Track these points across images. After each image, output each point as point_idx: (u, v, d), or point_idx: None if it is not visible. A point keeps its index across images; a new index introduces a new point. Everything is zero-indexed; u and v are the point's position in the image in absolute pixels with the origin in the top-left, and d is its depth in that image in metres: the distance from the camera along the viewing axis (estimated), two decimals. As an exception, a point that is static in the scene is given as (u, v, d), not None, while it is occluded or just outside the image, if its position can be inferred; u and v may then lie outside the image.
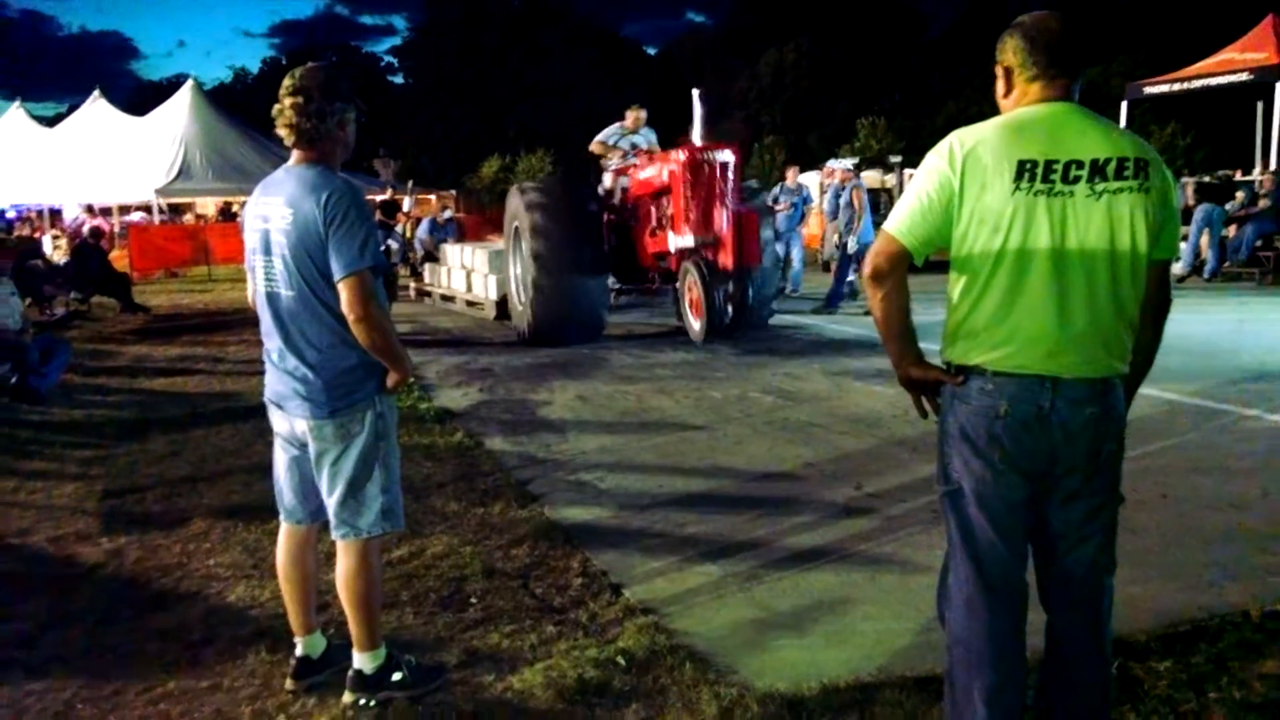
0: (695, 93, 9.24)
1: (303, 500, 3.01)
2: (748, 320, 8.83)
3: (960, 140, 2.21)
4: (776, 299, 10.95)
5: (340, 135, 2.85)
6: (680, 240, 8.85)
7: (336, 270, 2.68)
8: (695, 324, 8.87)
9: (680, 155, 8.85)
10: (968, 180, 2.17)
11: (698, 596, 3.67)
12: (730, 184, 8.72)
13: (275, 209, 2.77)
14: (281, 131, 2.80)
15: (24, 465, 5.78)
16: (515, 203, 10.18)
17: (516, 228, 10.16)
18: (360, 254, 2.68)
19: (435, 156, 53.39)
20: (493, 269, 11.60)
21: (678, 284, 9.18)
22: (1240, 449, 5.44)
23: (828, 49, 52.20)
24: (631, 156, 10.61)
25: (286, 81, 2.80)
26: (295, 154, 2.83)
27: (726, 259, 8.43)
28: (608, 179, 10.90)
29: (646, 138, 10.92)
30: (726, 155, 8.79)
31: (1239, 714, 2.75)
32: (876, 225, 15.72)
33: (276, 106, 2.79)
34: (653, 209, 9.81)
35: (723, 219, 8.47)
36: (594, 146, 11.13)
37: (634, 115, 10.98)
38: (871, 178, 19.04)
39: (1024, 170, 2.14)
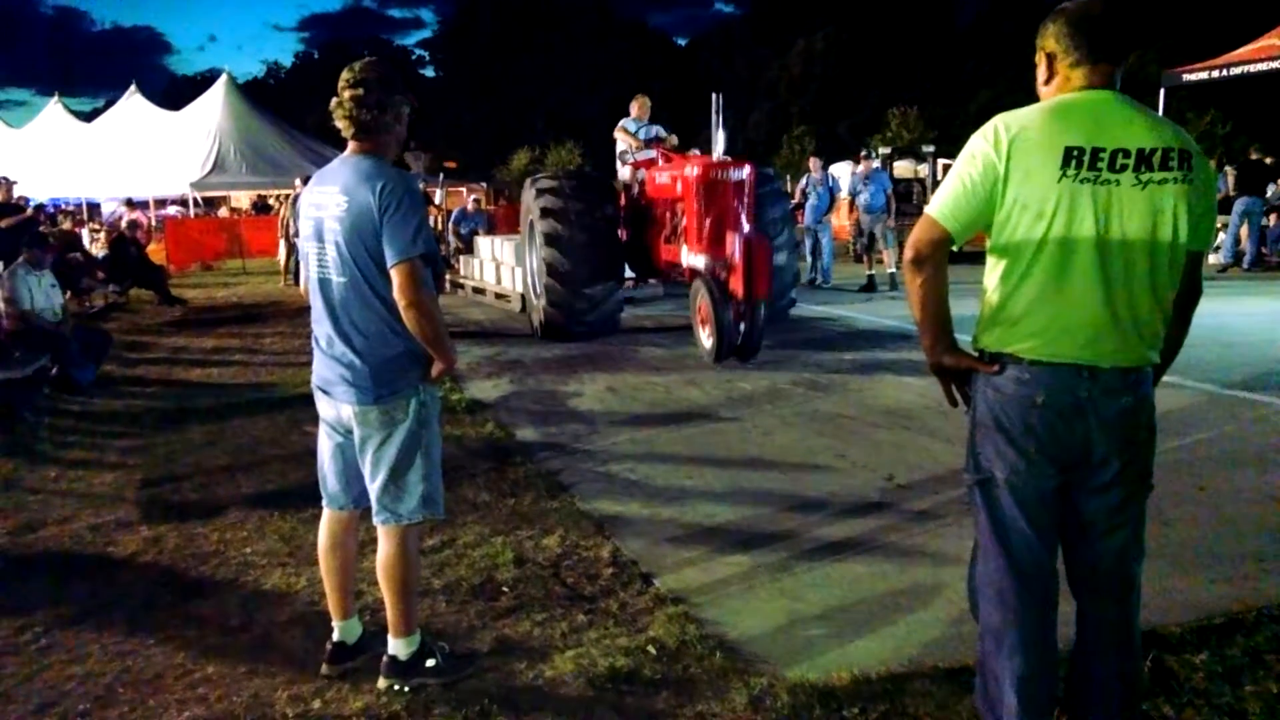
0: (715, 97, 8.88)
1: (346, 486, 3.06)
2: (759, 344, 8.23)
3: (1005, 124, 2.18)
4: (800, 288, 10.72)
5: (397, 128, 2.91)
6: (691, 259, 8.49)
7: (390, 256, 2.73)
8: (707, 343, 8.37)
9: (693, 170, 8.44)
10: (1013, 165, 2.15)
11: (728, 587, 3.68)
12: (745, 202, 8.35)
13: (330, 197, 2.82)
14: (340, 124, 2.86)
15: (65, 454, 5.90)
16: (529, 196, 10.10)
17: (531, 221, 10.08)
18: (413, 241, 2.73)
19: (465, 149, 53.62)
20: (519, 261, 11.62)
21: (690, 294, 8.74)
22: (1277, 441, 5.36)
23: (858, 38, 51.79)
24: (652, 150, 10.43)
25: (345, 75, 2.85)
26: (351, 145, 2.88)
27: (736, 286, 7.83)
28: (626, 171, 10.75)
29: (659, 130, 10.82)
30: (742, 173, 8.39)
31: (1275, 707, 2.73)
32: (907, 214, 15.66)
33: (335, 100, 2.84)
34: (668, 215, 9.56)
35: (734, 244, 7.84)
36: (618, 133, 10.95)
37: (640, 103, 10.84)
38: (904, 167, 18.91)
39: (1071, 157, 2.12)
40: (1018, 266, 2.20)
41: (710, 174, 8.34)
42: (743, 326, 7.91)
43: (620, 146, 10.83)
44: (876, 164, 14.04)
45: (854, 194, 13.74)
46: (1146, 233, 2.14)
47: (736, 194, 8.31)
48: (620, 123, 10.88)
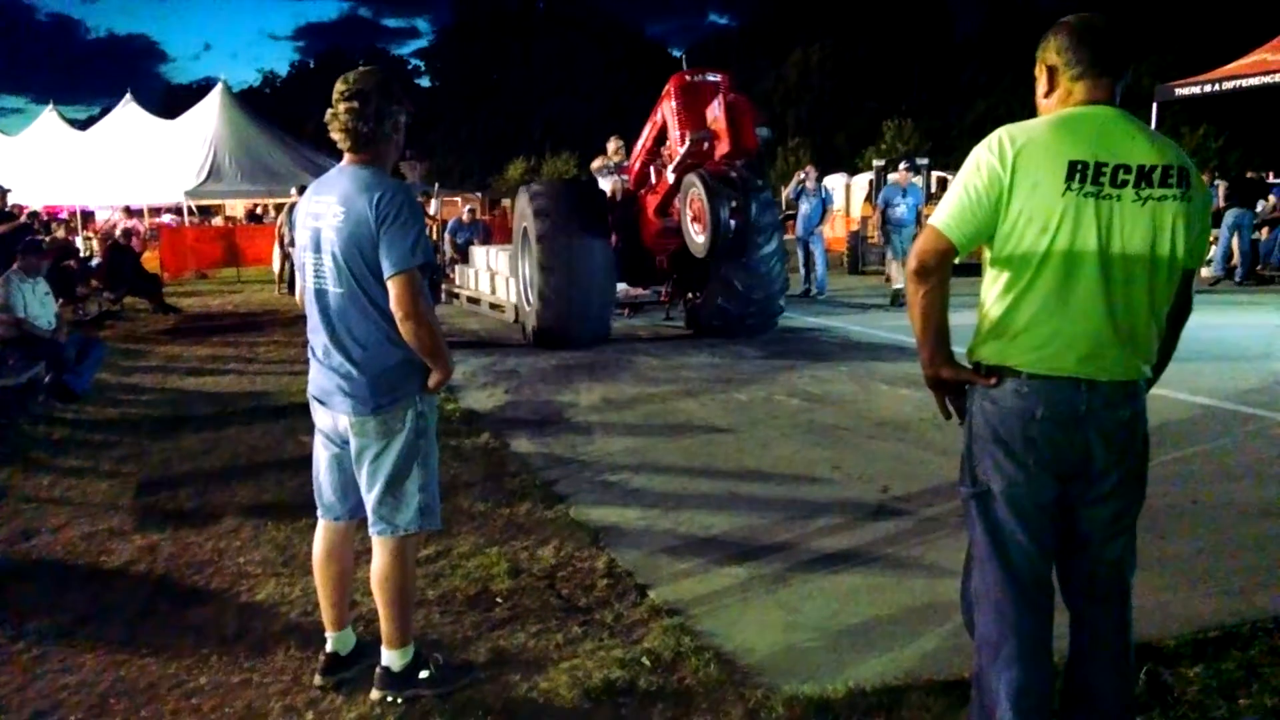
0: (682, 57, 9.30)
1: (342, 497, 3.04)
2: (751, 240, 8.59)
3: (1011, 136, 2.18)
4: (794, 300, 10.89)
5: (394, 137, 2.88)
6: (680, 152, 8.67)
7: (387, 267, 2.71)
8: (699, 237, 8.60)
9: (670, 85, 8.82)
10: (1019, 176, 2.15)
11: (724, 598, 3.67)
12: (721, 94, 8.51)
13: (327, 207, 2.80)
14: (336, 135, 2.82)
15: (59, 462, 5.87)
16: (523, 202, 10.20)
17: (525, 229, 10.16)
18: (411, 252, 2.71)
19: (462, 158, 53.70)
20: (512, 271, 11.65)
21: (678, 202, 9.04)
22: (1272, 454, 5.37)
23: (854, 49, 52.03)
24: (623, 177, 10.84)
25: (340, 86, 2.81)
26: (348, 155, 2.85)
27: (723, 146, 8.16)
28: (607, 184, 10.99)
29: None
30: (716, 76, 8.73)
31: (1271, 721, 2.73)
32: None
33: (330, 111, 2.81)
34: (651, 169, 9.80)
35: (715, 108, 8.26)
36: (595, 163, 11.62)
37: (615, 145, 11.40)
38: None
39: (1075, 171, 2.13)
40: (1020, 279, 2.20)
41: (686, 78, 8.75)
42: (734, 224, 8.17)
43: (596, 164, 11.46)
44: (914, 177, 13.76)
45: (887, 205, 13.21)
46: (1146, 248, 2.16)
47: (712, 90, 8.60)
48: (594, 162, 11.58)
